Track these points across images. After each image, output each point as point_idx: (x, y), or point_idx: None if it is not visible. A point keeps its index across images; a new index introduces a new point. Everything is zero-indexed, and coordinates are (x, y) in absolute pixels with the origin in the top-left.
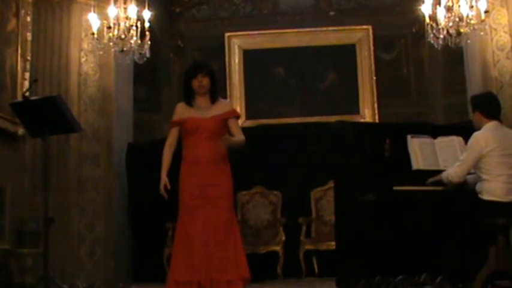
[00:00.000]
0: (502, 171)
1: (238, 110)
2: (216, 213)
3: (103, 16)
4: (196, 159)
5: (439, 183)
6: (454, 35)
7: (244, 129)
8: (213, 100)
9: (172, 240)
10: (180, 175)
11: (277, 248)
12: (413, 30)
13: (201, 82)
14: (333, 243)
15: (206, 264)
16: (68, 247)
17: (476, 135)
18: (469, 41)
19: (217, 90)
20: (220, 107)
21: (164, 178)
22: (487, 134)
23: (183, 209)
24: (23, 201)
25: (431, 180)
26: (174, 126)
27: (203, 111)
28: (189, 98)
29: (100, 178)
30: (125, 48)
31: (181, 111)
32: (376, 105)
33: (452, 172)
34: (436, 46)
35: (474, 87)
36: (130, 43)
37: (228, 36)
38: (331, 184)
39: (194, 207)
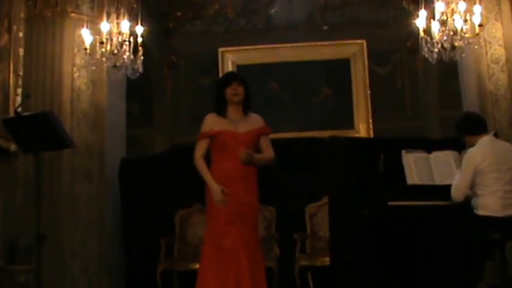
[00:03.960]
0: (498, 186)
1: None
2: (246, 232)
3: (96, 31)
4: (229, 175)
5: None
6: (449, 48)
7: None
8: (246, 112)
9: (166, 256)
10: (208, 189)
11: (272, 264)
12: (408, 44)
13: (236, 90)
14: (328, 259)
15: (242, 281)
16: (60, 263)
17: (471, 152)
18: (463, 55)
19: (250, 102)
20: (254, 122)
21: (216, 185)
22: (482, 149)
23: (215, 224)
24: (15, 217)
25: None
26: (204, 138)
27: (236, 124)
28: (221, 108)
29: (93, 194)
30: (117, 64)
31: (213, 122)
32: (370, 120)
33: (453, 194)
34: (430, 60)
35: (469, 100)
36: (123, 58)
37: (222, 52)
38: (325, 200)
39: (228, 222)
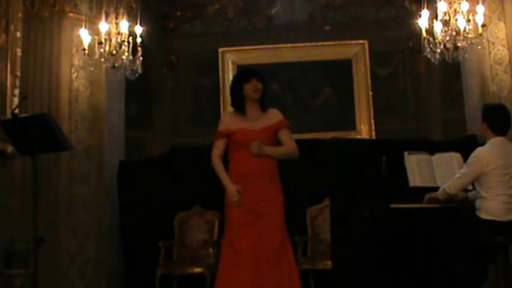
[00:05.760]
0: (502, 190)
1: None
2: (267, 231)
3: (94, 31)
4: (245, 174)
5: (435, 200)
6: (451, 49)
7: None
8: (263, 109)
9: (165, 260)
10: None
11: None
12: (410, 44)
13: (256, 86)
14: (330, 262)
15: (258, 285)
16: (58, 267)
17: (479, 151)
18: (466, 55)
19: (266, 98)
20: (270, 117)
21: (232, 186)
22: (490, 151)
23: (230, 226)
24: (12, 221)
25: (428, 197)
26: (221, 137)
27: (253, 121)
28: (239, 105)
29: (91, 197)
30: (116, 64)
31: (229, 121)
32: (372, 121)
33: (451, 183)
34: (433, 60)
35: (472, 102)
36: (122, 59)
37: (222, 52)
38: (327, 202)
39: (244, 224)
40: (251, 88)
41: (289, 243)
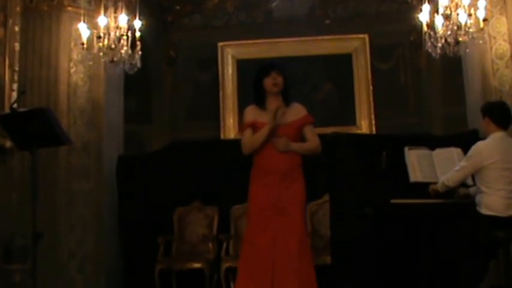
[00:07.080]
0: (502, 185)
1: (231, 122)
2: (288, 226)
3: (93, 25)
4: (270, 169)
5: (436, 192)
6: (453, 43)
7: (238, 142)
8: (287, 103)
9: (164, 255)
10: (250, 182)
11: None
12: (411, 39)
13: (276, 79)
14: (329, 257)
15: (278, 281)
16: (57, 263)
17: (479, 145)
18: (467, 50)
19: (290, 93)
20: (295, 112)
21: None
22: (491, 145)
23: (251, 221)
24: (11, 216)
25: (430, 188)
26: (248, 127)
27: (278, 116)
28: (260, 100)
29: (90, 192)
30: (115, 59)
31: (254, 114)
32: (373, 116)
33: (449, 176)
34: (434, 55)
35: (473, 96)
36: (121, 53)
37: (221, 46)
38: (326, 197)
39: (265, 218)
40: (270, 82)
41: (308, 240)
